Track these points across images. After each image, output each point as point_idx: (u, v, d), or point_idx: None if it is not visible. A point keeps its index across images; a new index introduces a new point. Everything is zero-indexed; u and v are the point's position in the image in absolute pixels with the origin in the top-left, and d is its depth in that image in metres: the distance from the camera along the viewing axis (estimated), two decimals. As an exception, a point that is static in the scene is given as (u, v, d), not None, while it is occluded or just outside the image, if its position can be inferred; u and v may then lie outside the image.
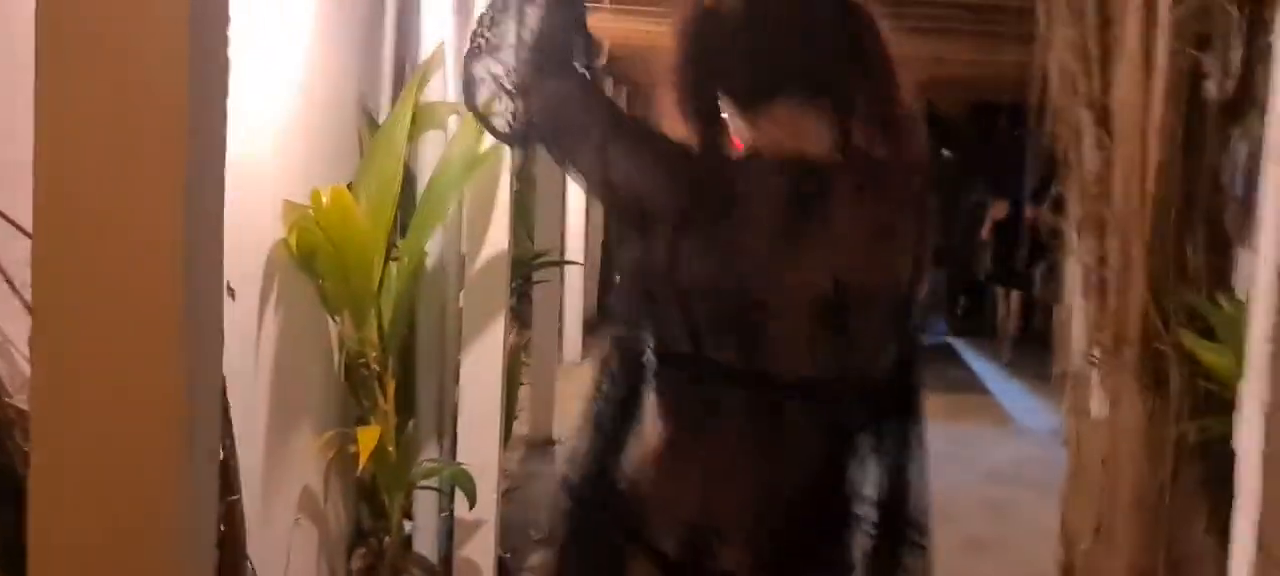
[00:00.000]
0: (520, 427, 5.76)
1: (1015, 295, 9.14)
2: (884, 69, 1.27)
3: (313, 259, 2.78)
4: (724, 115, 1.29)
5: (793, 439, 1.26)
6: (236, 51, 1.12)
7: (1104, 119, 2.66)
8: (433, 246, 3.25)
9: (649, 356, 1.31)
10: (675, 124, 1.29)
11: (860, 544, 1.33)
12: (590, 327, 8.82)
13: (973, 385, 7.76)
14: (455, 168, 3.10)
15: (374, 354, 3.02)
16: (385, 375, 3.06)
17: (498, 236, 3.28)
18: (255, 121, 2.34)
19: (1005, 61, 7.97)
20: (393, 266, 3.10)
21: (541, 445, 5.51)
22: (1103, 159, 2.65)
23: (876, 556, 1.33)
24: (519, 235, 7.55)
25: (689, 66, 1.29)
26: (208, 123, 1.09)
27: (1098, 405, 3.15)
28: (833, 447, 1.30)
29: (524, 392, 6.21)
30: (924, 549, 1.34)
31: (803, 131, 1.26)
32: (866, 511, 1.33)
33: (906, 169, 1.29)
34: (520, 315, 7.06)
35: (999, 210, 9.09)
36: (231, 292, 2.27)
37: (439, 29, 3.20)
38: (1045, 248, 10.55)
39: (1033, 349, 8.56)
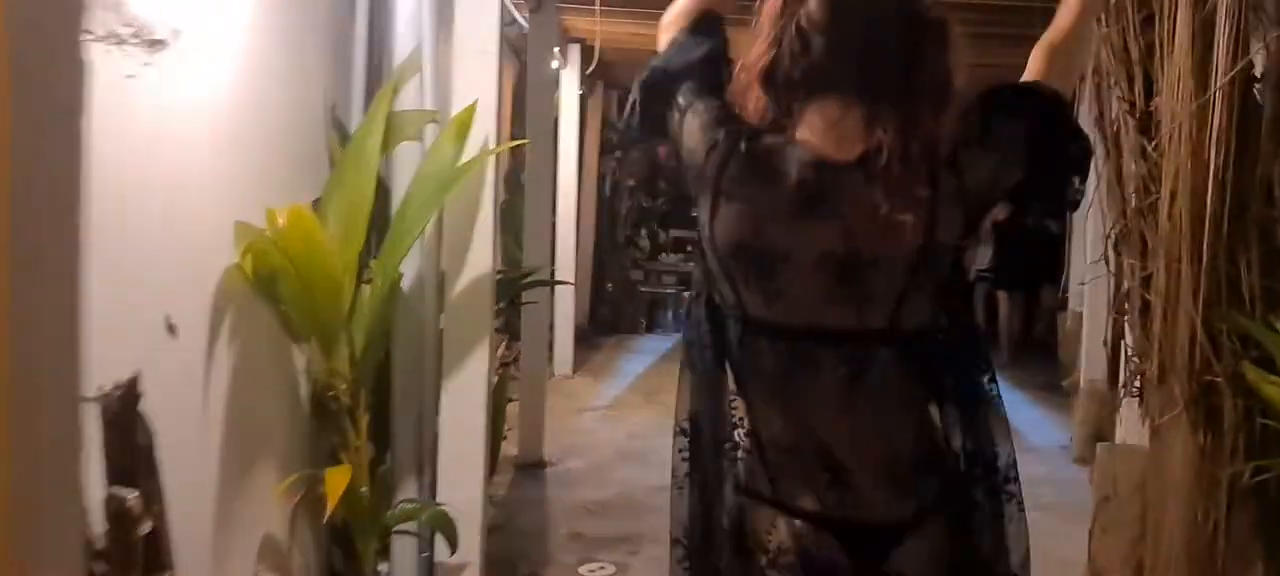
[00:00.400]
0: (508, 448, 5.49)
1: (1016, 298, 8.89)
2: (939, 82, 1.42)
3: (273, 284, 2.52)
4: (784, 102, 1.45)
5: (837, 382, 1.43)
6: (172, 61, 0.85)
7: (1147, 126, 2.41)
8: (409, 266, 2.99)
9: (710, 309, 1.50)
10: (746, 101, 1.47)
11: (950, 486, 1.47)
12: (583, 339, 8.56)
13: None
14: (433, 181, 2.84)
15: (344, 385, 2.75)
16: (357, 408, 2.80)
17: (480, 254, 3.02)
18: (195, 137, 2.07)
19: (1007, 66, 7.76)
20: (365, 289, 2.84)
21: (532, 468, 5.23)
22: (1146, 169, 2.40)
23: (964, 496, 1.46)
24: (508, 245, 7.33)
25: (768, 61, 1.43)
26: (44, 144, 0.82)
27: (1132, 433, 2.90)
28: (893, 395, 1.45)
29: (512, 410, 5.96)
30: (1013, 496, 1.46)
31: (839, 126, 1.41)
32: (949, 454, 1.47)
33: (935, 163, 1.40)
34: (509, 327, 6.81)
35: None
36: (172, 329, 2.00)
37: (414, 32, 2.94)
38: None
39: (1035, 357, 8.33)
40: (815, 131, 1.42)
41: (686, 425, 1.55)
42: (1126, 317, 2.54)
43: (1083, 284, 8.45)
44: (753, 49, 1.46)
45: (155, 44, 1.86)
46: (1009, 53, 6.46)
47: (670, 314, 10.06)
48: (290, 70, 2.73)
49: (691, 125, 1.50)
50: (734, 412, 1.51)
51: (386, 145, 2.96)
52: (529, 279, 4.09)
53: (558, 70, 7.29)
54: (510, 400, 6.33)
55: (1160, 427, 2.53)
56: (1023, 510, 1.48)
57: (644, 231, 11.41)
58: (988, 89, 1.46)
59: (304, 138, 2.87)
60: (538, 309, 5.61)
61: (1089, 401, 5.62)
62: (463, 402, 3.03)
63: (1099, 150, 2.60)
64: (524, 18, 5.69)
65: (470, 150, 2.93)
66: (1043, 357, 8.35)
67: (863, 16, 1.41)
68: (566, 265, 7.75)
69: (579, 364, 7.83)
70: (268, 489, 2.56)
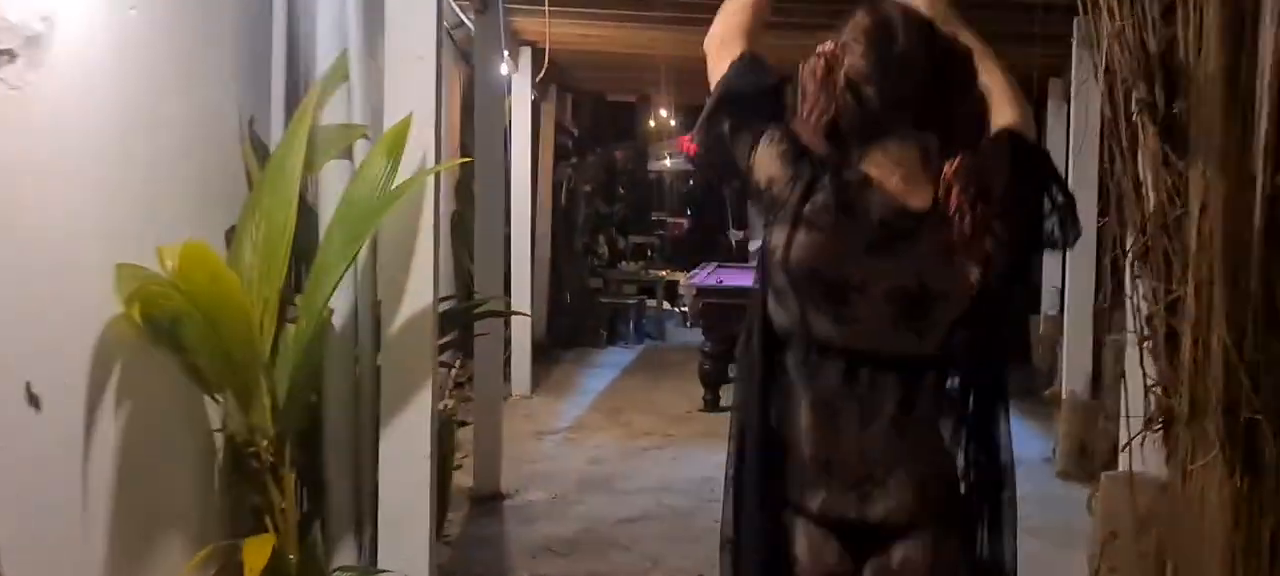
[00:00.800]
0: (463, 479, 5.14)
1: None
2: (974, 108, 1.61)
3: (176, 331, 2.18)
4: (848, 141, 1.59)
5: (879, 399, 1.60)
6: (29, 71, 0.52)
7: (1170, 131, 2.13)
8: (340, 300, 2.65)
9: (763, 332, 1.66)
10: (814, 139, 1.60)
11: (963, 487, 1.67)
12: (540, 353, 8.21)
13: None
14: (363, 204, 2.50)
15: (266, 441, 2.41)
16: (281, 465, 2.46)
17: (420, 284, 2.68)
18: (64, 164, 1.72)
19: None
20: (288, 329, 2.50)
21: (488, 501, 4.88)
22: (1171, 181, 2.12)
23: (976, 497, 1.68)
24: (461, 258, 6.97)
25: (829, 118, 1.58)
26: None
27: (1149, 464, 2.62)
28: (932, 412, 1.63)
29: (465, 435, 5.61)
30: (1012, 493, 1.70)
31: (903, 164, 1.58)
32: (964, 462, 1.66)
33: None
34: (463, 344, 6.46)
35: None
36: (34, 402, 1.65)
37: (339, 35, 2.60)
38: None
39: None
40: (881, 169, 1.58)
41: (737, 435, 1.71)
42: (1148, 345, 2.26)
43: (1055, 287, 8.31)
44: (803, 107, 1.60)
45: (2, 55, 1.52)
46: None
47: (631, 325, 9.74)
48: (192, 79, 2.39)
49: (769, 153, 1.60)
50: (782, 426, 1.65)
51: (311, 164, 2.62)
52: (480, 309, 3.70)
53: (509, 75, 6.96)
54: (464, 424, 5.99)
55: (1184, 469, 2.26)
56: (1015, 509, 1.73)
57: (602, 238, 11.09)
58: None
59: (213, 158, 2.53)
60: (493, 324, 5.24)
61: (1072, 414, 5.40)
62: (404, 451, 2.69)
63: (1115, 159, 2.33)
64: (471, 19, 5.35)
65: (408, 167, 2.60)
66: (1016, 363, 8.13)
67: (903, 63, 1.55)
68: (521, 277, 7.40)
69: (537, 381, 7.49)
70: (175, 569, 2.21)
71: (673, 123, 11.64)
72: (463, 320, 3.47)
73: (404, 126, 2.52)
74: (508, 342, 7.32)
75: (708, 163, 1.68)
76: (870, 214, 1.55)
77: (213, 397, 2.43)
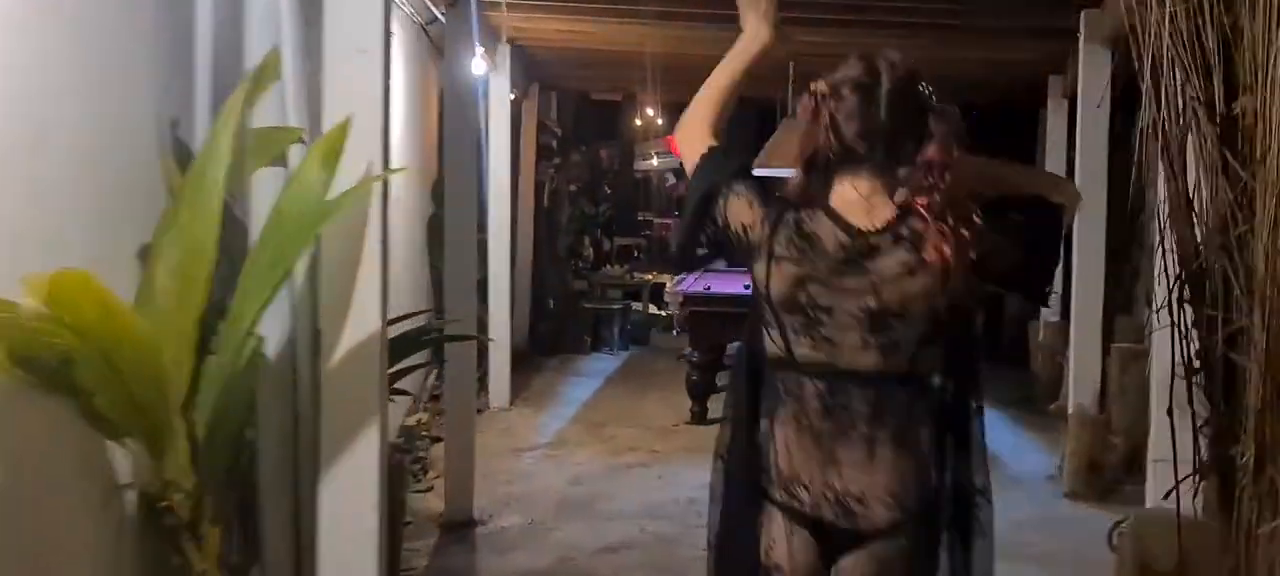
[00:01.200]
0: (433, 502, 4.82)
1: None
2: (945, 161, 1.72)
3: (68, 372, 1.85)
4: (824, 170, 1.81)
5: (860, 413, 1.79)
6: None
7: (1232, 134, 1.82)
8: (274, 326, 2.32)
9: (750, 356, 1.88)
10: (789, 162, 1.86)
11: (941, 496, 1.85)
12: (521, 361, 7.86)
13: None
14: (297, 217, 2.17)
15: (181, 494, 2.08)
16: (201, 521, 2.13)
17: (366, 306, 2.36)
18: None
19: (974, 60, 7.27)
20: (211, 361, 2.17)
21: (459, 528, 4.55)
22: (1233, 193, 1.81)
23: (953, 506, 1.84)
24: (438, 263, 6.62)
25: (809, 140, 1.79)
26: None
27: (1185, 499, 2.31)
28: (903, 423, 1.78)
29: (439, 452, 5.28)
30: (989, 503, 1.85)
31: (871, 193, 1.77)
32: (944, 472, 1.84)
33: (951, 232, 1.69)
34: (437, 353, 6.12)
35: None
36: None
37: (271, 27, 2.27)
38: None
39: (1005, 369, 7.79)
40: (846, 202, 1.76)
41: (724, 452, 1.92)
42: (1199, 382, 1.95)
43: (1056, 293, 8.01)
44: (799, 142, 1.78)
45: None
46: (973, 43, 5.83)
47: (616, 330, 9.40)
48: (98, 76, 2.05)
49: (738, 204, 1.81)
50: (764, 441, 1.83)
51: (240, 172, 2.30)
52: (439, 334, 3.32)
53: (487, 72, 6.63)
54: (437, 440, 5.66)
55: (1235, 513, 1.95)
56: (992, 527, 1.83)
57: (587, 240, 10.77)
58: (1008, 196, 1.75)
59: (124, 167, 2.20)
60: (465, 323, 4.82)
61: (1080, 430, 5.10)
62: (349, 497, 2.36)
63: (1158, 166, 2.02)
64: (442, 12, 5.03)
65: (351, 175, 2.28)
66: (1014, 370, 7.84)
67: (884, 109, 1.73)
68: (500, 283, 7.07)
69: (517, 392, 7.16)
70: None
71: (660, 122, 11.33)
72: (422, 345, 3.14)
73: (342, 129, 2.19)
74: (484, 352, 7.00)
75: (691, 253, 1.96)
76: (833, 238, 1.74)
77: (120, 444, 2.10)
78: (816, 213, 1.77)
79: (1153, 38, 1.93)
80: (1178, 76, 1.90)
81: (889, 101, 1.73)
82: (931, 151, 1.71)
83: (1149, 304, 7.44)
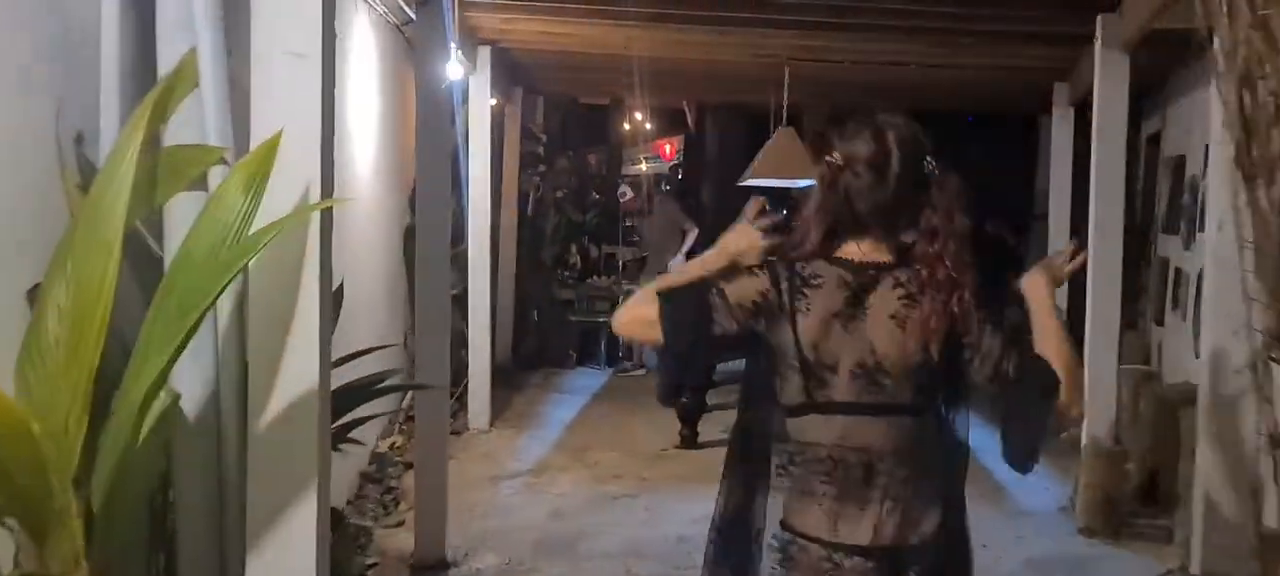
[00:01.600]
0: (403, 539, 4.47)
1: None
2: (948, 226, 1.83)
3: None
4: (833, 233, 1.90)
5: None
6: None
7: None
8: (195, 380, 1.98)
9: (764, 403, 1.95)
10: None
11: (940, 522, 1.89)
12: (503, 376, 7.50)
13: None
14: (214, 251, 1.83)
15: (72, 585, 1.74)
16: (100, 614, 1.79)
17: (303, 354, 2.02)
18: None
19: (974, 65, 6.96)
20: (110, 424, 1.83)
21: (429, 570, 4.20)
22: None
23: (946, 531, 1.89)
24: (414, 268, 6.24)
25: (824, 210, 1.88)
26: None
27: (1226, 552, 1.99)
28: (910, 449, 1.86)
29: (410, 480, 4.92)
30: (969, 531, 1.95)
31: (873, 250, 1.88)
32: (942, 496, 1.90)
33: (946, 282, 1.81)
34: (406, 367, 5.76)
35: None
36: None
37: (186, 27, 1.93)
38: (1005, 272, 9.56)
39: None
40: (848, 254, 1.88)
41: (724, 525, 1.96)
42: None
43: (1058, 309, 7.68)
44: (810, 204, 1.90)
45: None
46: (976, 48, 5.50)
47: (602, 344, 9.05)
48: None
49: (739, 285, 1.87)
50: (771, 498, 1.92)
51: (151, 198, 1.96)
52: (382, 385, 2.90)
53: (466, 76, 6.29)
54: (411, 466, 5.29)
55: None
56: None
57: (574, 248, 10.41)
58: (1013, 313, 1.85)
59: (15, 189, 1.86)
60: (436, 350, 4.46)
61: (1095, 462, 4.78)
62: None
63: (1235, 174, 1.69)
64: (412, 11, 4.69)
65: (284, 200, 1.94)
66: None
67: (892, 186, 1.84)
68: (480, 296, 6.73)
69: (498, 411, 6.81)
70: None
71: (648, 126, 10.98)
72: (372, 394, 2.77)
73: (270, 147, 1.85)
74: (463, 370, 6.65)
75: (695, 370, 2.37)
76: (839, 278, 1.84)
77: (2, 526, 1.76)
78: (818, 261, 1.86)
79: (1238, 40, 1.60)
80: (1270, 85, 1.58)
81: (897, 178, 1.83)
82: (934, 219, 1.81)
83: (1157, 321, 7.10)
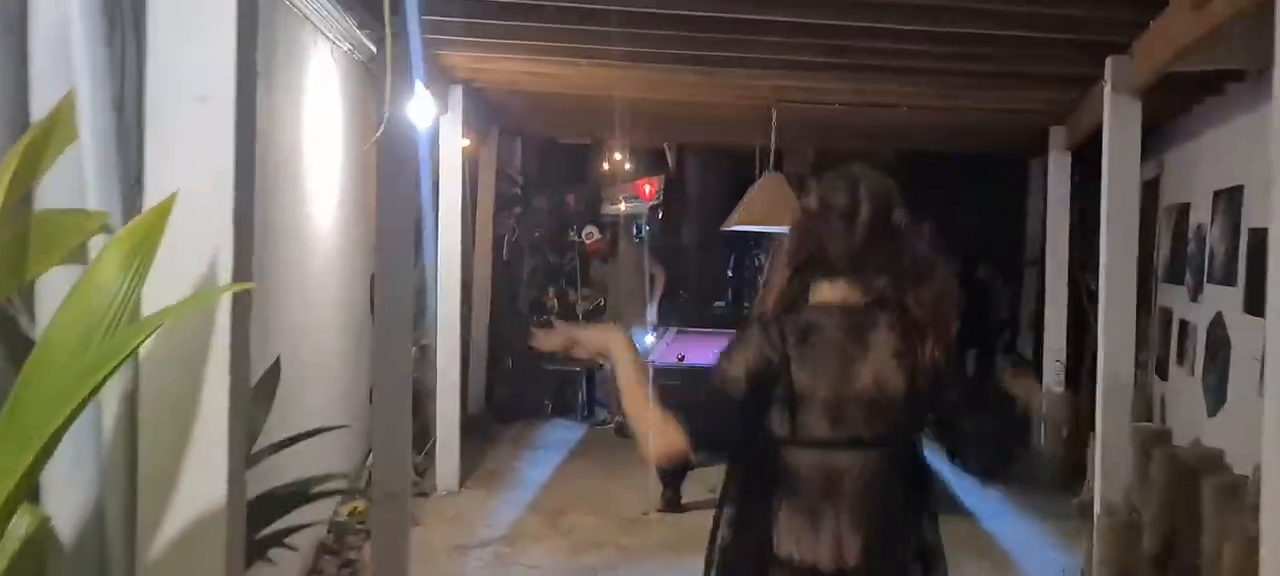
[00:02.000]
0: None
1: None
2: (927, 269, 2.01)
3: None
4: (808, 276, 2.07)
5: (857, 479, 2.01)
6: None
7: None
8: (74, 494, 1.61)
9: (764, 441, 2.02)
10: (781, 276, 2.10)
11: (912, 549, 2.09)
12: (475, 428, 7.10)
13: (946, 502, 6.05)
14: (83, 342, 1.46)
15: None
16: None
17: (209, 466, 1.65)
18: None
19: (972, 108, 6.69)
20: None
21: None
22: None
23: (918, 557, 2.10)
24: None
25: (798, 250, 2.06)
26: None
27: None
28: (886, 480, 2.01)
29: (368, 552, 4.51)
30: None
31: (847, 293, 2.03)
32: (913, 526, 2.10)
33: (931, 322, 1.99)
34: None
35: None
36: None
37: (63, 66, 1.57)
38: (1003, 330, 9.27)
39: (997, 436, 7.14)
40: (823, 297, 2.03)
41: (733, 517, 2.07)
42: None
43: (1058, 362, 7.38)
44: (788, 245, 2.09)
45: None
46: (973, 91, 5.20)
47: (581, 394, 8.66)
48: None
49: (743, 355, 1.96)
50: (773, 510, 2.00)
51: (25, 270, 1.59)
52: (321, 488, 2.47)
53: (436, 117, 5.95)
54: (370, 536, 4.88)
55: None
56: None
57: (551, 291, 10.03)
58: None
59: None
60: (395, 404, 4.00)
61: (1110, 535, 4.43)
62: None
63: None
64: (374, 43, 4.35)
65: (183, 278, 1.58)
66: (1014, 446, 7.19)
67: (861, 235, 2.01)
68: (449, 347, 6.34)
69: (468, 469, 6.41)
70: None
71: (628, 166, 10.66)
72: (304, 499, 2.37)
73: (158, 215, 1.49)
74: (430, 426, 6.26)
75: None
76: (819, 319, 1.99)
77: None
78: (800, 307, 2.01)
79: None
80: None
81: (866, 226, 2.00)
82: (906, 264, 1.98)
83: (1160, 375, 6.77)
